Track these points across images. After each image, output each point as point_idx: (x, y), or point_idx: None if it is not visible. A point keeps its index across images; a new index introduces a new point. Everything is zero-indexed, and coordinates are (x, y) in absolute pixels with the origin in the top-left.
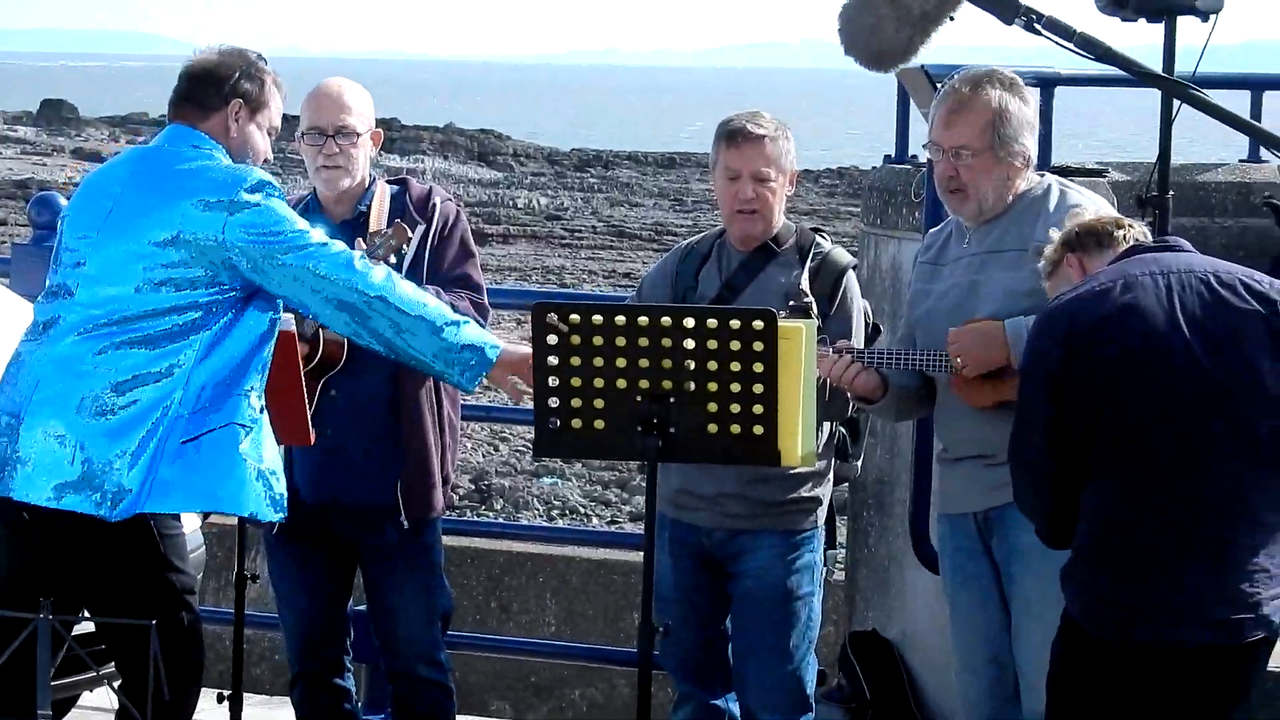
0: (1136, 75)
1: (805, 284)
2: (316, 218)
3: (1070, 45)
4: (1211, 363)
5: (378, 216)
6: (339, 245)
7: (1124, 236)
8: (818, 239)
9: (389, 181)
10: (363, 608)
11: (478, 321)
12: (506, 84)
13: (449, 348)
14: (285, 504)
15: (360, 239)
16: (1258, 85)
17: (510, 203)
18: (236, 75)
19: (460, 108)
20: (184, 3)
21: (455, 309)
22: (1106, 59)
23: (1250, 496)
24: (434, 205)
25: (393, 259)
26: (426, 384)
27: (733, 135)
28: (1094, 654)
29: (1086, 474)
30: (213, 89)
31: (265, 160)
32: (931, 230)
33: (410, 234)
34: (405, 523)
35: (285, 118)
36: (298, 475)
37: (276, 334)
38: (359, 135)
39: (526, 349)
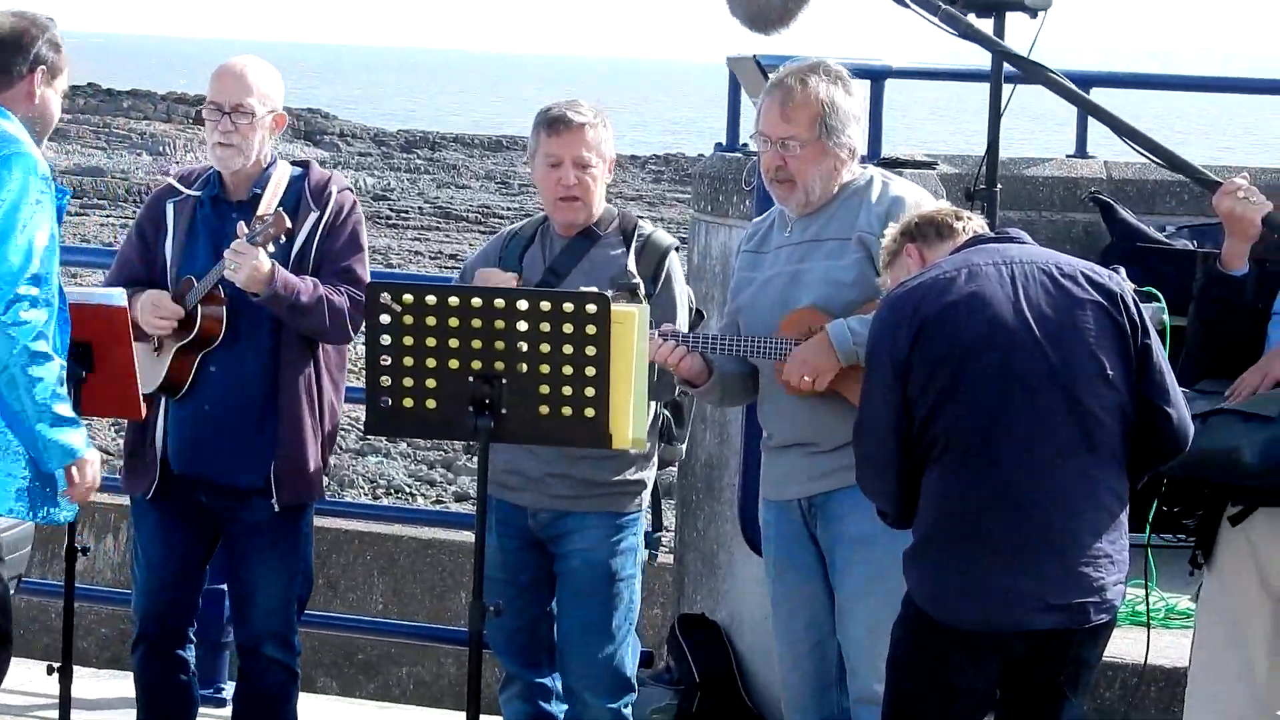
0: (997, 53)
1: (631, 265)
2: (218, 195)
3: (935, 20)
4: (1054, 351)
5: (269, 200)
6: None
7: (963, 228)
8: (640, 220)
9: (293, 163)
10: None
11: (352, 316)
12: (336, 67)
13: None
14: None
15: (243, 222)
16: (1082, 82)
17: None
18: (38, 42)
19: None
20: None
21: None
22: (967, 36)
23: (1092, 483)
24: (329, 194)
25: (271, 247)
26: (306, 369)
27: (553, 123)
28: (937, 637)
29: (929, 458)
30: (18, 56)
31: (55, 125)
32: (755, 219)
33: (288, 224)
34: (276, 506)
35: (130, 92)
36: (170, 445)
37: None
38: (256, 116)
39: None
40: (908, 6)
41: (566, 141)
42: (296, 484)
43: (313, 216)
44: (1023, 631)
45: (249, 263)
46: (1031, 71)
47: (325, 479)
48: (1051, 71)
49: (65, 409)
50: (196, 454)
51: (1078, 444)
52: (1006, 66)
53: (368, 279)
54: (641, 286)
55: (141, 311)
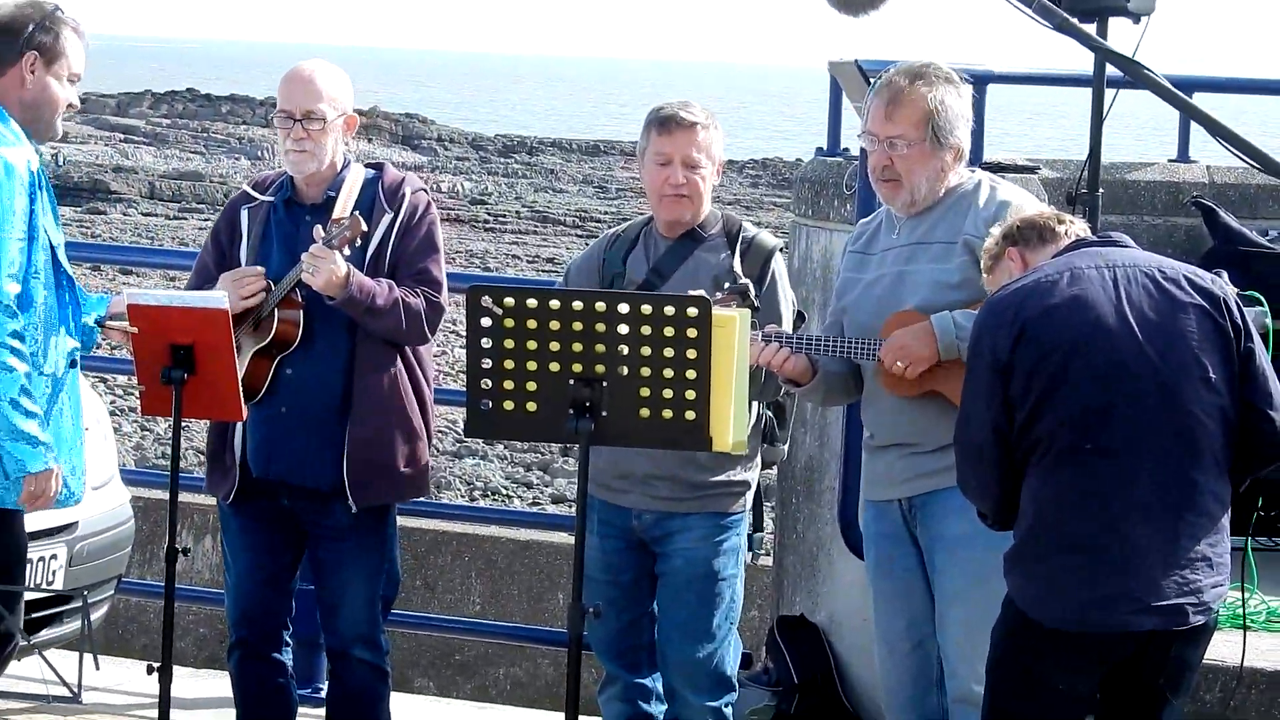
0: (1095, 50)
1: (737, 266)
2: (291, 198)
3: (1029, 11)
4: (1157, 355)
5: (344, 203)
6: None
7: (1065, 231)
8: (744, 222)
9: (367, 165)
10: (302, 585)
11: (428, 318)
12: (433, 72)
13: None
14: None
15: (320, 225)
16: (1185, 86)
17: (434, 187)
18: (30, 28)
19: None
20: None
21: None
22: (1063, 29)
23: (1192, 486)
24: (403, 195)
25: (347, 250)
26: (388, 371)
27: (664, 122)
28: (1037, 639)
29: (1030, 460)
30: (8, 42)
31: (70, 107)
32: (862, 220)
33: (364, 227)
34: (354, 508)
35: (229, 97)
36: (249, 449)
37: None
38: (327, 121)
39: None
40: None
41: (677, 141)
42: (373, 485)
43: (387, 218)
44: (1122, 633)
45: (326, 266)
46: (1130, 70)
47: (419, 481)
48: (1150, 70)
49: (22, 420)
50: (273, 456)
51: (1179, 447)
52: (1109, 71)
53: (443, 280)
54: (752, 288)
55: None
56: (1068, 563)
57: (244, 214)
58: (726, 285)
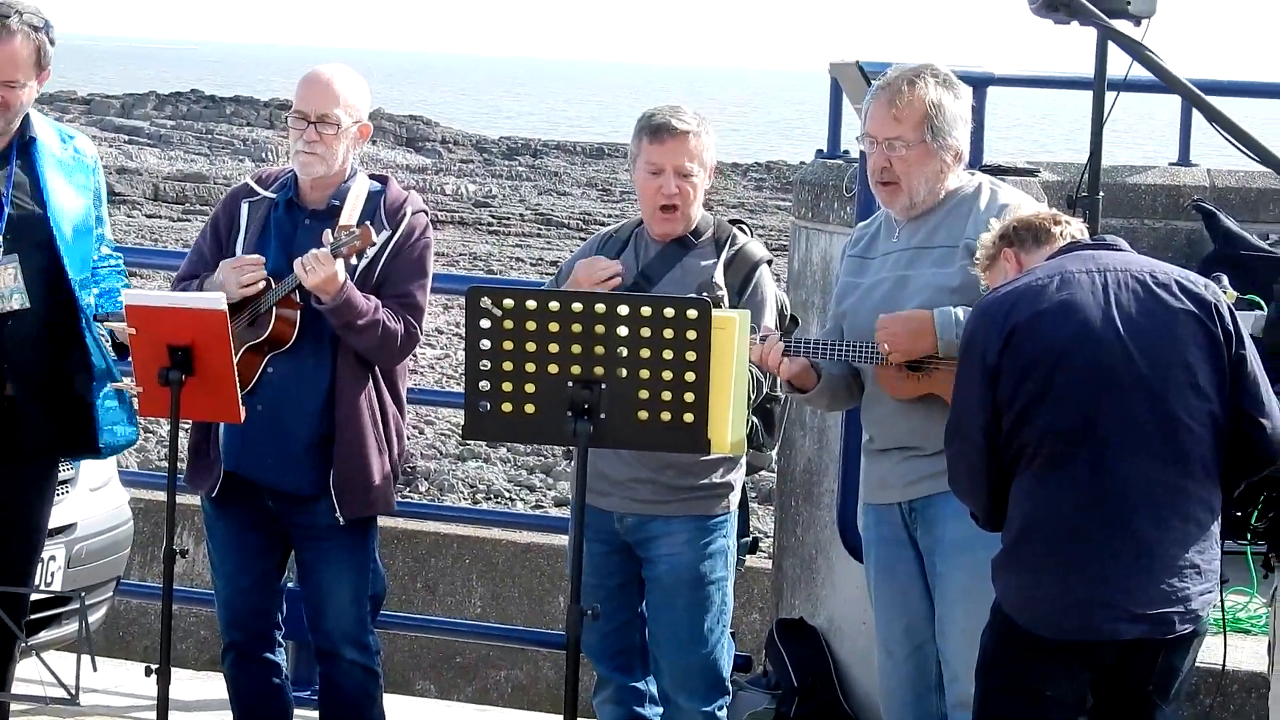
0: (1100, 28)
1: (719, 276)
2: (293, 199)
3: None
4: (1145, 361)
5: (350, 211)
6: None
7: (1061, 233)
8: (735, 232)
9: (372, 177)
10: (294, 584)
11: (403, 344)
12: (437, 74)
13: None
14: None
15: (328, 230)
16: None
17: (439, 189)
18: None
19: (390, 94)
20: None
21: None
22: (1071, 10)
23: (1180, 494)
24: (404, 214)
25: (354, 260)
26: (368, 382)
27: (656, 130)
28: (1025, 645)
29: (1017, 465)
30: None
31: None
32: (860, 223)
33: (375, 239)
34: (341, 520)
35: (234, 99)
36: (225, 449)
37: None
38: (341, 126)
39: None
40: None
41: (669, 149)
42: (359, 497)
43: (383, 235)
44: (1108, 641)
45: (326, 271)
46: (1134, 52)
47: (388, 492)
48: (1155, 55)
49: None
50: (244, 454)
51: (1166, 454)
52: (1109, 74)
53: (425, 308)
54: (726, 299)
55: (224, 280)
56: (1052, 570)
57: (244, 207)
58: (703, 294)
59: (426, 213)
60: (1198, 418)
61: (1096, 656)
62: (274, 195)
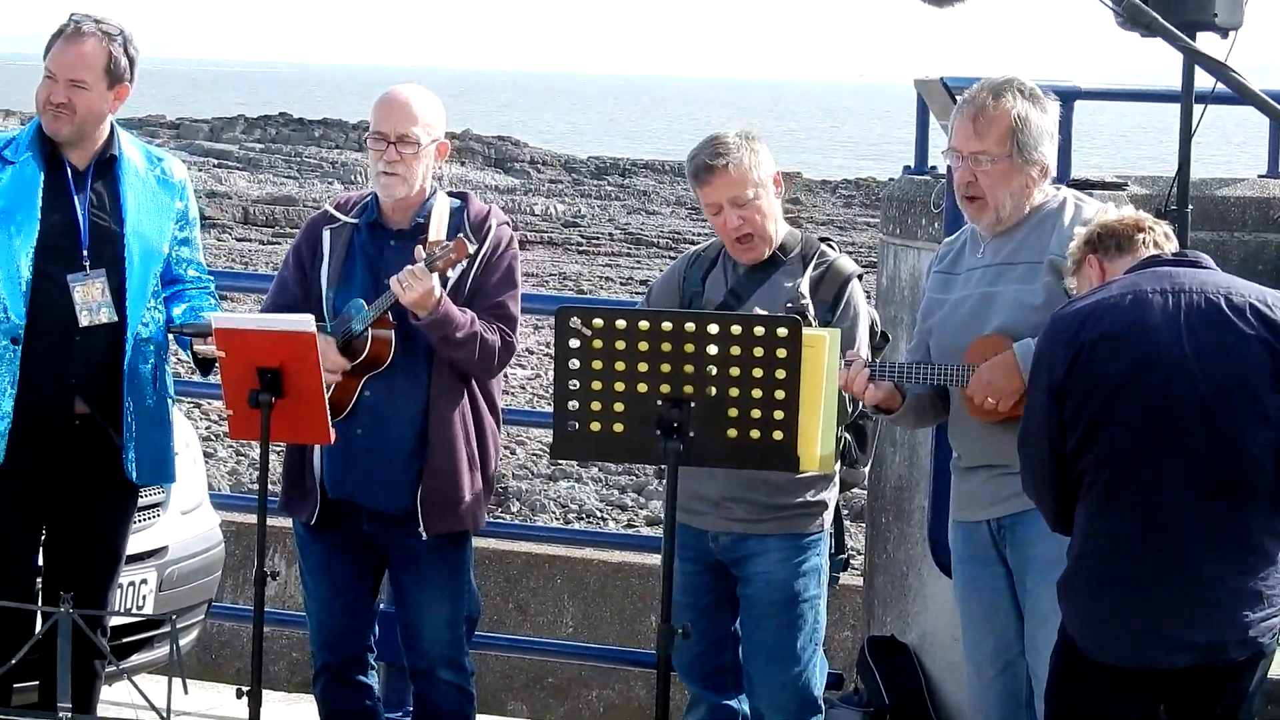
0: (1183, 50)
1: (805, 289)
2: (376, 221)
3: (1116, 8)
4: (1209, 390)
5: (437, 228)
6: None
7: (1144, 240)
8: (823, 248)
9: (450, 194)
10: (385, 605)
11: (500, 355)
12: (525, 94)
13: None
14: None
15: (419, 246)
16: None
17: (528, 209)
18: None
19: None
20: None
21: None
22: (1152, 31)
23: (1240, 521)
24: (489, 227)
25: (450, 273)
26: (463, 399)
27: (698, 173)
28: (1087, 669)
29: (1079, 489)
30: None
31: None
32: (947, 239)
33: (470, 250)
34: (424, 534)
35: (322, 121)
36: (325, 471)
37: None
38: (420, 145)
39: None
40: None
41: (717, 187)
42: (447, 513)
43: (470, 249)
44: (1160, 669)
45: (424, 287)
46: (1221, 75)
47: (479, 510)
48: (1240, 76)
49: None
50: (347, 478)
51: (1227, 482)
52: (1197, 85)
53: (518, 317)
54: (811, 310)
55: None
56: (1108, 598)
57: (326, 234)
58: (787, 304)
59: (510, 224)
60: (1261, 447)
61: (1156, 683)
62: (356, 220)
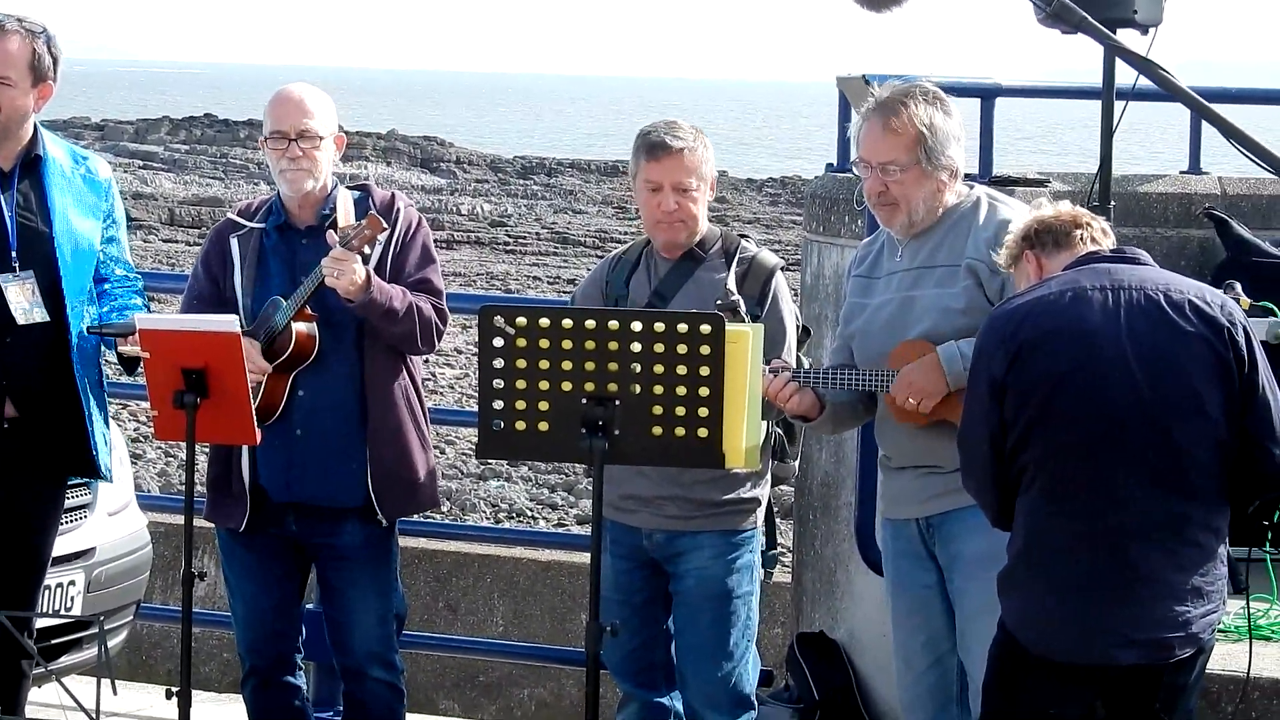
0: (1110, 46)
1: (732, 284)
2: (285, 222)
3: (1042, 5)
4: (1149, 387)
5: (345, 214)
6: None
7: (1082, 236)
8: (744, 243)
9: (350, 188)
10: (313, 606)
11: (437, 325)
12: (450, 94)
13: None
14: None
15: (330, 231)
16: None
17: (454, 209)
18: None
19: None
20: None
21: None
22: (1079, 28)
23: (1181, 518)
24: (398, 210)
25: (367, 249)
26: (398, 380)
27: (653, 148)
28: (1026, 664)
29: (1020, 485)
30: None
31: None
32: (863, 241)
33: (384, 225)
34: (384, 521)
35: (247, 122)
36: (264, 474)
37: None
38: (321, 139)
39: None
40: None
41: (666, 167)
42: (404, 496)
43: (383, 235)
44: (1100, 666)
45: (349, 268)
46: (1146, 70)
47: (433, 490)
48: (1166, 71)
49: None
50: (293, 480)
51: (1167, 481)
52: (1118, 82)
53: (444, 289)
54: (742, 305)
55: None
56: (1051, 594)
57: (234, 242)
58: (717, 301)
59: (415, 206)
60: (1203, 443)
61: (1096, 679)
62: (262, 224)
